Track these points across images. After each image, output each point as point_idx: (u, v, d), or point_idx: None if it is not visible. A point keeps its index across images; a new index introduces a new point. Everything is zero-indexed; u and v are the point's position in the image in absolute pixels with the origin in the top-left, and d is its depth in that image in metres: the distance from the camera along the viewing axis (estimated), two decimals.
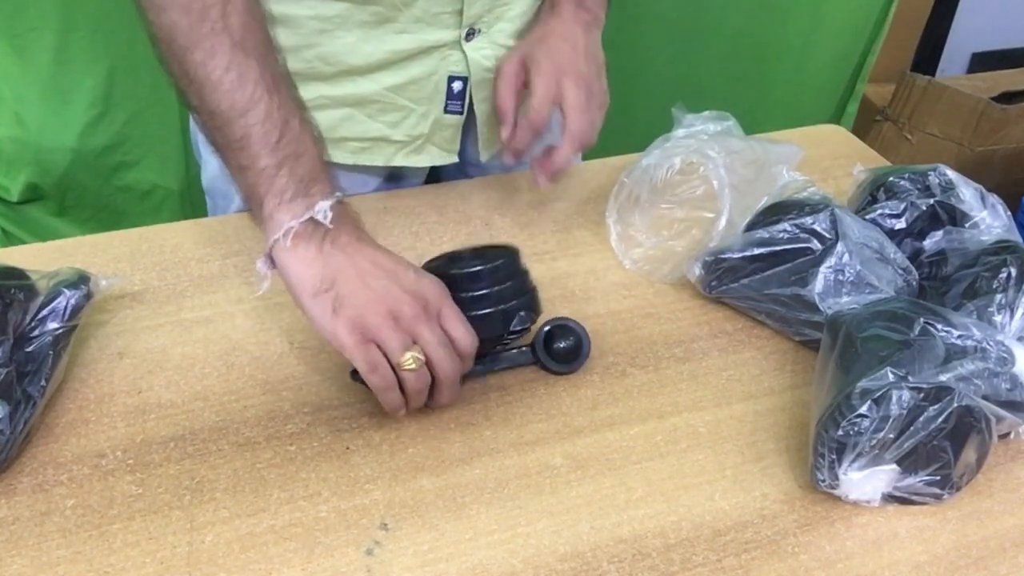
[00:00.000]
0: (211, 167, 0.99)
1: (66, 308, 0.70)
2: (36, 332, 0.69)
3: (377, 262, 0.67)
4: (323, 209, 0.66)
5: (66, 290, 0.71)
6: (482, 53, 0.90)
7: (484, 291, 0.69)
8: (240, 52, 0.66)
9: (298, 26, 0.84)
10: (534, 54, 0.87)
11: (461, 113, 0.93)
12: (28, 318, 0.69)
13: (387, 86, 0.89)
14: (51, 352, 0.68)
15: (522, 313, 0.70)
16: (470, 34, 0.89)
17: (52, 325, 0.69)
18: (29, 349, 0.68)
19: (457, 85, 0.91)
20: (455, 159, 0.98)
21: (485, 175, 1.01)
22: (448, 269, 0.69)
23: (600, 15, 0.92)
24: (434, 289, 0.67)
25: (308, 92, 0.87)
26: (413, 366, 0.65)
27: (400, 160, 0.95)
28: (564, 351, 0.75)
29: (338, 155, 0.93)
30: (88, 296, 0.73)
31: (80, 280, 0.73)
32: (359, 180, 0.97)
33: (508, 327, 0.69)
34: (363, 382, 0.66)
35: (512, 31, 0.91)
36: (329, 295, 0.65)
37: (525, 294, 0.71)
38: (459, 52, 0.89)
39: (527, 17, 0.92)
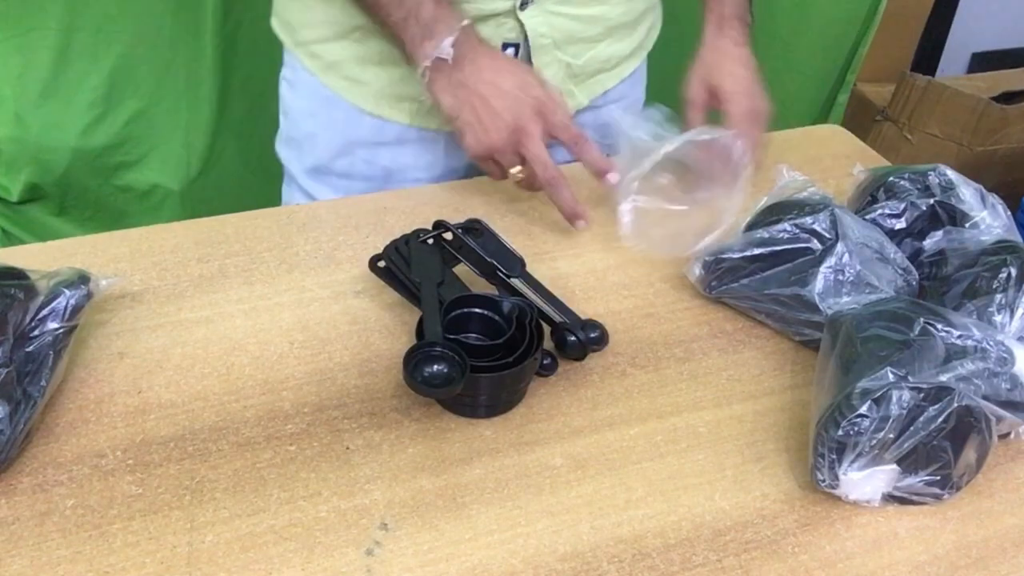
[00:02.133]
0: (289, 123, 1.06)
1: (66, 308, 0.70)
2: (36, 332, 0.69)
3: (497, 85, 0.83)
4: (445, 47, 0.81)
5: (66, 290, 0.71)
6: (536, 20, 0.93)
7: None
8: None
9: None
10: (721, 82, 0.96)
11: None
12: (28, 318, 0.69)
13: None
14: (51, 352, 0.68)
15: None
16: (524, 4, 0.92)
17: (52, 325, 0.69)
18: (29, 349, 0.68)
19: (510, 51, 0.95)
20: None
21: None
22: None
23: (752, 27, 1.01)
24: (547, 104, 0.84)
25: (371, 47, 0.93)
26: (520, 176, 0.87)
27: None
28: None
29: (397, 115, 0.97)
30: (88, 296, 0.73)
31: (80, 280, 0.73)
32: (418, 156, 1.01)
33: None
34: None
35: None
36: (458, 123, 0.85)
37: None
38: (513, 20, 0.92)
39: None
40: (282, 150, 1.08)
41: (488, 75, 0.83)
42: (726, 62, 0.97)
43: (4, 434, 0.63)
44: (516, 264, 0.79)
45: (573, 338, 0.75)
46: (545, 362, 0.74)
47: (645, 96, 1.15)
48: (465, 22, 0.82)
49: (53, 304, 0.70)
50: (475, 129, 0.84)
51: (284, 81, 1.04)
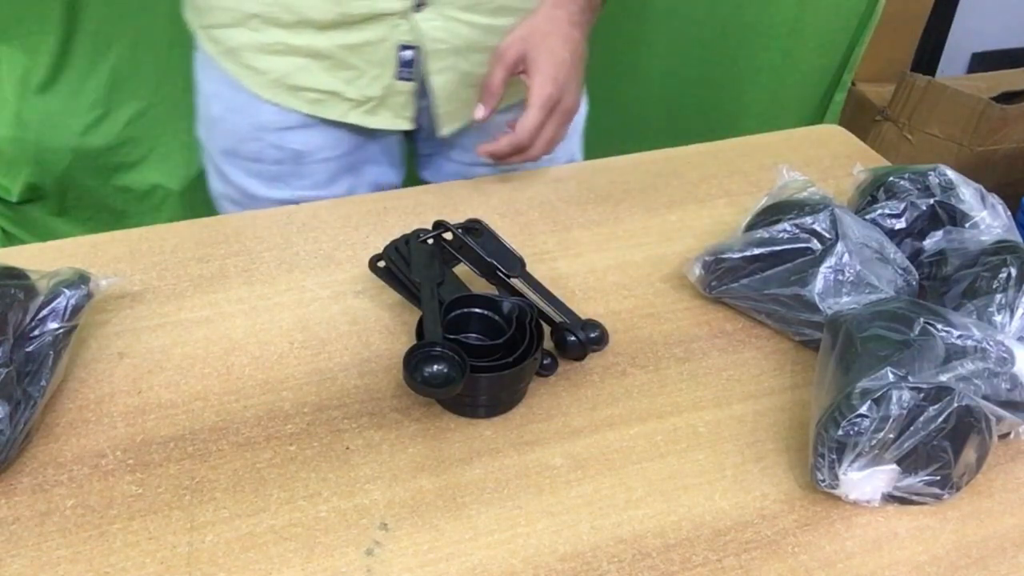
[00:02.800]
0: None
1: (66, 308, 0.70)
2: (36, 332, 0.69)
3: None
4: None
5: (66, 290, 0.71)
6: (432, 24, 0.91)
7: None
8: None
9: None
10: (536, 55, 0.87)
11: (412, 80, 0.95)
12: (28, 318, 0.69)
13: (340, 44, 0.91)
14: (51, 352, 0.68)
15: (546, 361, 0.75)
16: (420, 5, 0.90)
17: (52, 325, 0.69)
18: (29, 349, 0.68)
19: (407, 54, 0.93)
20: (411, 126, 0.99)
21: (447, 158, 1.04)
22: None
23: (595, 15, 0.94)
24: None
25: (267, 37, 0.92)
26: None
27: (354, 118, 0.97)
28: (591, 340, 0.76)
29: (295, 103, 0.96)
30: (88, 296, 0.73)
31: (80, 280, 0.73)
32: (328, 137, 0.99)
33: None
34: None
35: (463, 5, 0.91)
36: None
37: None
38: (408, 22, 0.90)
39: None
40: (199, 130, 1.06)
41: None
42: (552, 38, 0.88)
43: (4, 434, 0.63)
44: (516, 264, 0.79)
45: (573, 338, 0.75)
46: (545, 362, 0.74)
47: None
48: None
49: (53, 304, 0.70)
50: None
51: (196, 63, 1.03)
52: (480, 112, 0.89)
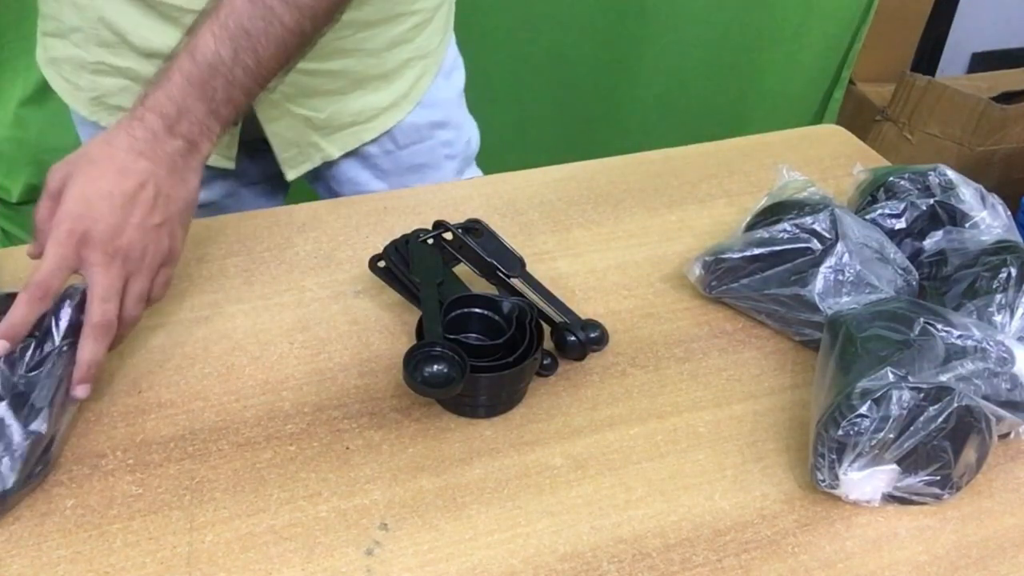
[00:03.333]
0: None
1: (64, 326, 0.67)
2: (43, 354, 0.66)
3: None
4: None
5: (66, 306, 0.67)
6: None
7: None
8: None
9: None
10: (69, 192, 0.67)
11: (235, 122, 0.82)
12: (28, 340, 0.65)
13: None
14: (57, 375, 0.65)
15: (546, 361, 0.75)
16: None
17: (50, 346, 0.66)
18: (32, 375, 0.65)
19: None
20: (230, 165, 0.96)
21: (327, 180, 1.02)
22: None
23: (206, 141, 0.72)
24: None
25: (91, 55, 0.88)
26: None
27: None
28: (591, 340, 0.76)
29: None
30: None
31: (72, 293, 0.68)
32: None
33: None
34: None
35: None
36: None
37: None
38: None
39: None
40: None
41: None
42: (96, 170, 0.68)
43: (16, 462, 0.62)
44: (516, 264, 0.79)
45: (573, 338, 0.75)
46: (545, 362, 0.74)
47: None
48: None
49: (51, 324, 0.66)
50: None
51: None
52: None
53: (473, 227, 0.81)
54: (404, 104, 1.00)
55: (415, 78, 1.00)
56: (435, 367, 0.68)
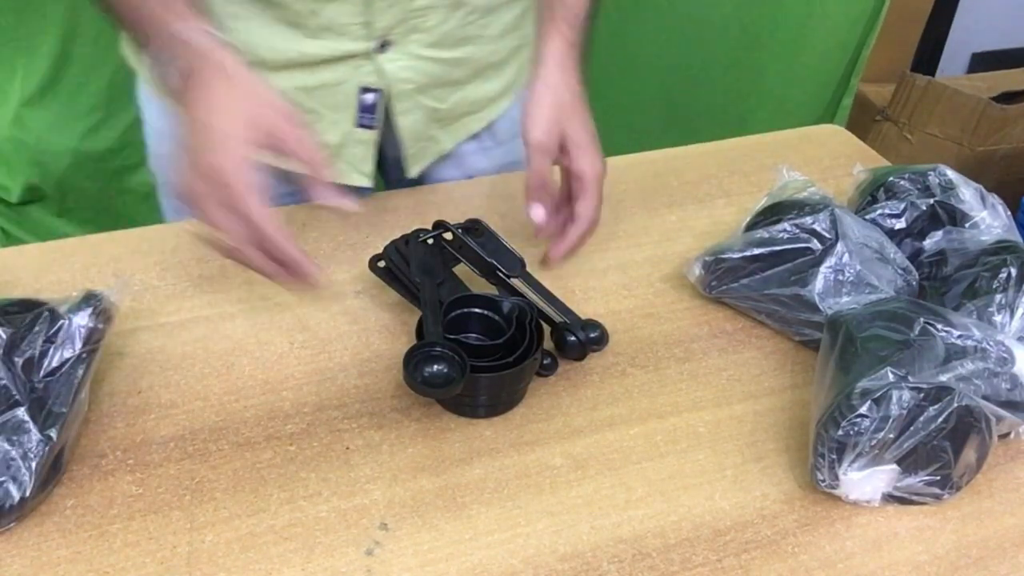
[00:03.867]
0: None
1: (84, 333, 0.67)
2: (55, 364, 0.66)
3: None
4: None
5: (76, 315, 0.68)
6: (398, 64, 0.87)
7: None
8: None
9: (210, 7, 0.80)
10: (574, 134, 0.80)
11: (373, 127, 0.90)
12: (46, 345, 0.66)
13: (298, 85, 0.86)
14: (71, 382, 0.65)
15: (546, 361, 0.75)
16: (384, 45, 0.85)
17: (69, 353, 0.66)
18: (48, 382, 0.65)
19: (369, 97, 0.88)
20: (367, 183, 0.95)
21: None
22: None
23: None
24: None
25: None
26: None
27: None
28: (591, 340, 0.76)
29: None
30: (103, 317, 0.70)
31: (90, 301, 0.69)
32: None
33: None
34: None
35: (429, 42, 0.87)
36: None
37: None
38: (372, 63, 0.86)
39: (446, 27, 0.88)
40: (152, 163, 1.02)
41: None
42: (578, 108, 0.81)
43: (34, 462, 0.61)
44: (516, 264, 0.79)
45: (573, 338, 0.75)
46: (545, 362, 0.74)
47: None
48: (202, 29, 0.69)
49: (70, 330, 0.67)
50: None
51: (141, 98, 1.00)
52: (539, 215, 0.81)
53: (473, 227, 0.81)
54: (508, 94, 1.00)
55: (519, 67, 1.00)
56: (435, 367, 0.68)
